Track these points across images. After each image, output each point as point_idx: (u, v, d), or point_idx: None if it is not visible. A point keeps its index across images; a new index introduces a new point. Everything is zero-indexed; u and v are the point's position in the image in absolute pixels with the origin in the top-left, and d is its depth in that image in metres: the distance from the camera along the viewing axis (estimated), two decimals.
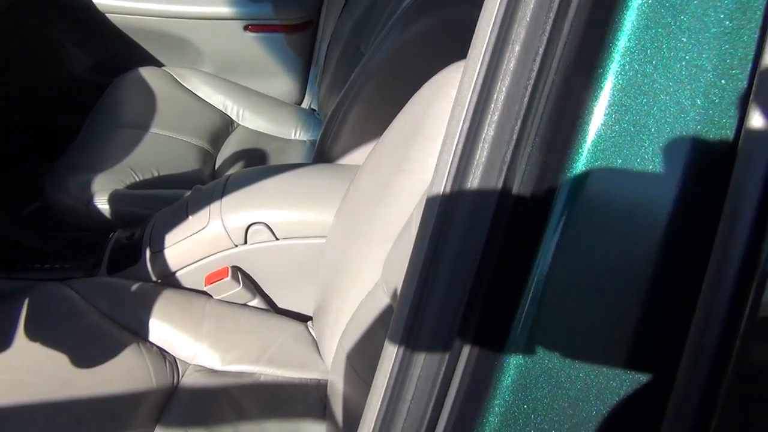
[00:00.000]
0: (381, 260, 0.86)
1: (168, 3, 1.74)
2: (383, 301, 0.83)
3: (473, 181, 0.46)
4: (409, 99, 0.89)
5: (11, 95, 1.85)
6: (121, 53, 1.82)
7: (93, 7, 1.74)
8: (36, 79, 1.84)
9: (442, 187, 0.50)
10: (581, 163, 0.41)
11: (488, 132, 0.46)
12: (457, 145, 0.49)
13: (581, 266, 0.42)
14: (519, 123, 0.44)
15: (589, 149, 0.41)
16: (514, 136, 0.45)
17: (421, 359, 0.47)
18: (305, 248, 1.08)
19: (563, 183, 0.42)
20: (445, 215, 0.48)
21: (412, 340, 0.48)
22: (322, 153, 1.20)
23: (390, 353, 0.50)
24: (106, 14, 1.75)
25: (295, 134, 1.68)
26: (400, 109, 0.90)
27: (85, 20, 1.77)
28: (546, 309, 0.43)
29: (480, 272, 0.45)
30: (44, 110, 1.88)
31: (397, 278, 0.81)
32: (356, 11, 1.51)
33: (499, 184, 0.45)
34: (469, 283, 0.46)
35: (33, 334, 0.99)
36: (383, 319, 0.82)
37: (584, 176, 0.41)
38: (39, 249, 1.20)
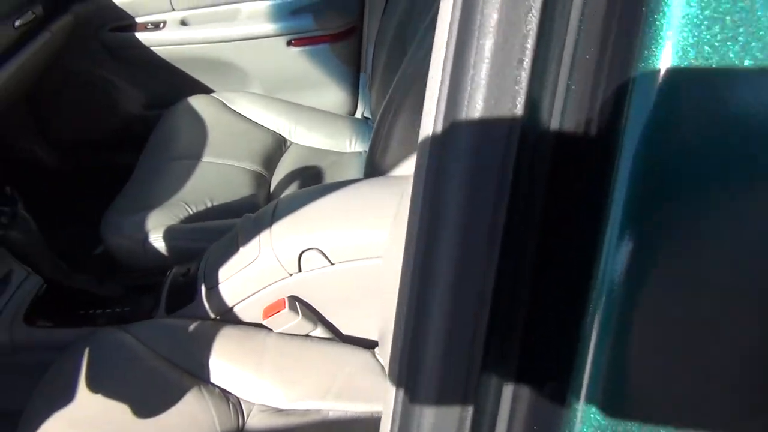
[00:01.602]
0: None
1: (210, 29, 1.72)
2: None
3: (472, 110, 0.33)
4: None
5: (68, 140, 1.89)
6: (170, 84, 1.82)
7: (138, 42, 1.74)
8: (90, 121, 1.87)
9: (431, 130, 0.37)
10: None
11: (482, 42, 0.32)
12: (444, 69, 0.36)
13: (684, 257, 0.29)
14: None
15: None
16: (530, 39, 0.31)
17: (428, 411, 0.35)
18: (362, 271, 1.01)
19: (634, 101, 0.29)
20: (438, 173, 0.35)
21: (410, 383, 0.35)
22: (373, 166, 1.13)
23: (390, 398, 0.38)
24: (152, 48, 1.75)
25: (350, 146, 1.62)
26: None
27: (133, 57, 1.78)
28: (626, 338, 0.30)
29: (507, 267, 0.32)
30: (101, 151, 1.91)
31: None
32: (398, 10, 1.43)
33: (516, 116, 0.32)
34: (488, 287, 0.33)
35: (95, 385, 0.97)
36: None
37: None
38: (98, 294, 1.18)
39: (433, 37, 1.00)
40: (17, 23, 1.46)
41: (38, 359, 1.16)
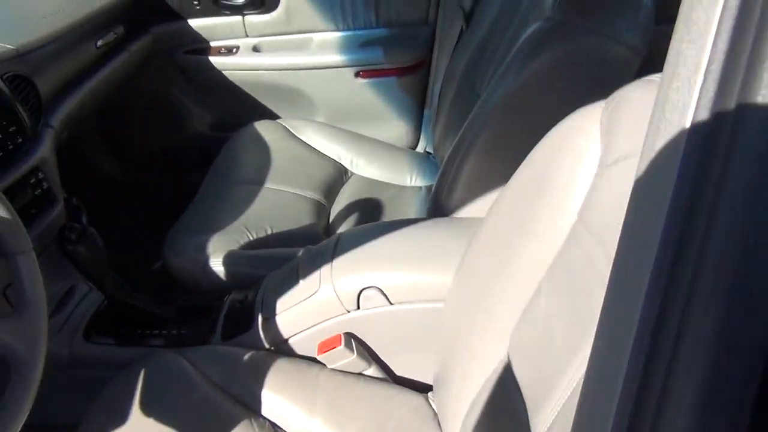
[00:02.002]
0: (506, 334, 0.75)
1: (281, 56, 1.75)
2: (511, 383, 0.72)
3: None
4: (531, 145, 0.78)
5: (135, 156, 1.94)
6: (238, 108, 1.86)
7: (211, 65, 1.78)
8: (159, 138, 1.92)
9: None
10: None
11: None
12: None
13: None
14: None
15: None
16: None
17: None
18: (422, 313, 0.99)
19: None
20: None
21: None
22: (438, 206, 1.11)
23: None
24: (223, 71, 1.78)
25: (410, 181, 1.61)
26: (523, 157, 0.79)
27: (204, 79, 1.82)
28: None
29: None
30: (167, 169, 1.95)
31: (526, 359, 0.70)
32: (470, 48, 1.43)
33: None
34: None
35: (148, 409, 0.97)
36: (510, 405, 0.71)
37: None
38: (156, 314, 1.19)
39: (506, 81, 0.98)
40: (99, 43, 1.51)
41: (95, 375, 1.17)
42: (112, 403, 1.00)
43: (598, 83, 0.92)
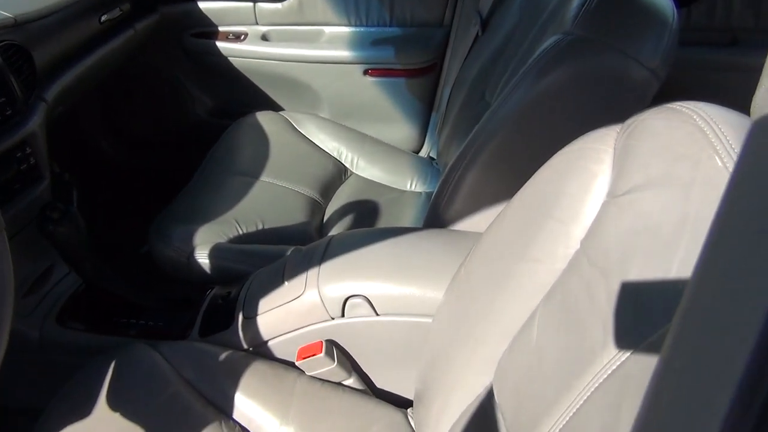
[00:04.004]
0: (493, 360, 0.71)
1: (289, 47, 1.71)
2: (493, 411, 0.68)
3: None
4: (538, 163, 0.74)
5: (132, 135, 1.90)
6: (241, 96, 1.82)
7: (217, 50, 1.74)
8: (158, 121, 1.88)
9: None
10: None
11: None
12: None
13: None
14: None
15: None
16: None
17: None
18: (408, 327, 0.94)
19: None
20: None
21: None
22: (436, 215, 1.07)
23: None
24: (229, 58, 1.74)
25: (411, 185, 1.57)
26: (527, 175, 0.75)
27: (209, 64, 1.78)
28: None
29: None
30: (162, 151, 1.91)
31: (512, 390, 0.66)
32: (484, 54, 1.38)
33: None
34: None
35: (115, 402, 0.93)
36: None
37: None
38: (134, 303, 1.15)
39: (518, 95, 0.94)
40: (103, 18, 1.47)
41: (65, 360, 1.13)
42: (77, 394, 0.96)
43: (614, 105, 0.88)
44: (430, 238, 1.01)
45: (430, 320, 0.91)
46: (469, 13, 1.63)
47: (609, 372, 0.50)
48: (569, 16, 0.94)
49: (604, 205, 0.60)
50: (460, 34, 1.67)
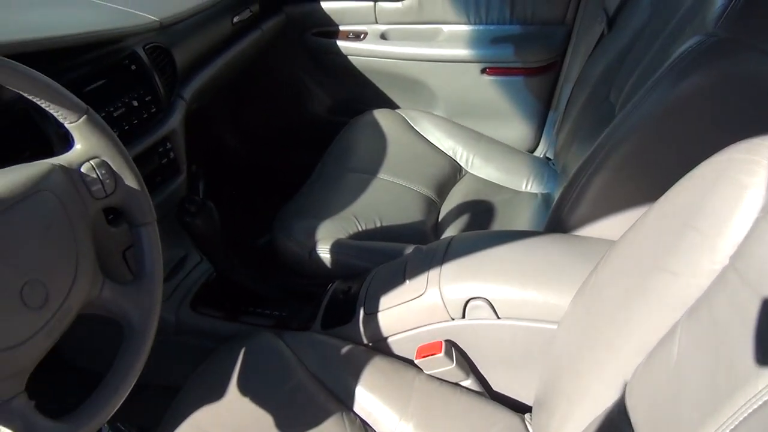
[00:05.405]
0: (625, 373, 0.70)
1: (408, 46, 1.72)
2: (623, 430, 0.66)
3: None
4: (674, 171, 0.71)
5: (254, 131, 1.98)
6: (358, 94, 1.86)
7: (338, 49, 1.79)
8: (279, 117, 1.95)
9: None
10: None
11: None
12: None
13: None
14: None
15: None
16: None
17: None
18: (529, 332, 0.94)
19: None
20: None
21: None
22: (558, 220, 1.05)
23: None
24: (349, 56, 1.78)
25: (526, 185, 1.55)
26: (662, 182, 0.73)
27: (329, 62, 1.83)
28: None
29: None
30: (283, 147, 1.98)
31: (648, 408, 0.64)
32: (609, 53, 1.34)
33: None
34: None
35: (245, 388, 0.98)
36: None
37: None
38: (260, 294, 1.21)
39: (653, 98, 0.90)
40: (235, 19, 1.55)
41: (196, 343, 1.21)
42: (211, 377, 1.02)
43: (764, 112, 0.83)
44: (555, 243, 0.99)
45: (552, 326, 0.90)
46: (593, 10, 1.58)
47: (765, 399, 0.48)
48: (711, 17, 0.89)
49: (759, 221, 0.57)
50: (583, 31, 1.62)
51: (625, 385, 0.69)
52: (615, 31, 1.39)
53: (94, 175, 0.75)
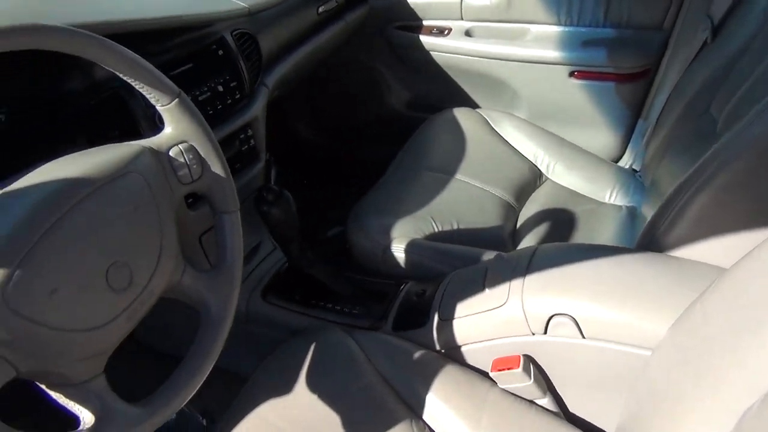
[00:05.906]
0: (734, 413, 0.64)
1: (494, 44, 1.67)
2: None
3: None
4: None
5: (330, 123, 1.97)
6: (438, 91, 1.82)
7: (420, 44, 1.75)
8: (356, 110, 1.93)
9: None
10: None
11: None
12: None
13: None
14: None
15: None
16: None
17: None
18: (616, 355, 0.88)
19: None
20: None
21: None
22: (652, 238, 0.99)
23: None
24: (431, 52, 1.75)
25: (609, 197, 1.48)
26: None
27: (411, 57, 1.79)
28: None
29: None
30: (358, 140, 1.96)
31: None
32: (713, 64, 1.26)
33: None
34: None
35: (313, 384, 0.96)
36: None
37: None
38: (330, 288, 1.19)
39: None
40: (321, 9, 1.53)
41: (265, 333, 1.20)
42: (280, 370, 1.01)
43: None
44: (650, 263, 0.93)
45: (644, 352, 0.84)
46: (696, 16, 1.49)
47: None
48: None
49: None
50: (682, 38, 1.53)
51: (732, 428, 0.64)
52: (720, 40, 1.31)
53: (182, 160, 0.74)
